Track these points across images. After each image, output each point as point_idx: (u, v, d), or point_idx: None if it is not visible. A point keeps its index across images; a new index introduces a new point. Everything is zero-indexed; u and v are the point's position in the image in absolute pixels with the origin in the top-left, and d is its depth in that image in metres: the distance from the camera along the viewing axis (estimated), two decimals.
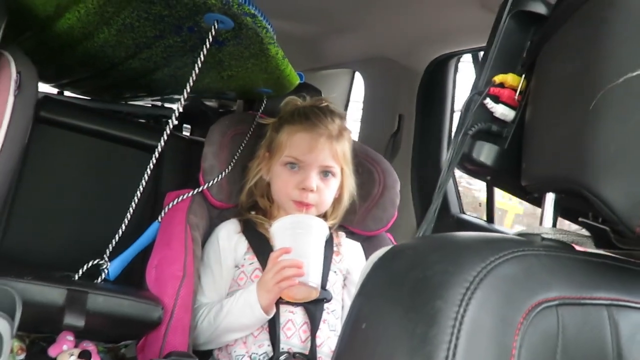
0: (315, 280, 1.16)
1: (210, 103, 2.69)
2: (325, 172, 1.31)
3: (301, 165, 1.30)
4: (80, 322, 1.06)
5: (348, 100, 2.51)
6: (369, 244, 1.46)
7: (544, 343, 0.47)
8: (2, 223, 1.42)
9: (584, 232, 0.60)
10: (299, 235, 1.19)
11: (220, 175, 1.38)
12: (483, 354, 0.44)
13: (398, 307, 0.48)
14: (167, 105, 2.59)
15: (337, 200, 1.38)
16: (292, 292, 1.17)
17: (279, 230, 1.21)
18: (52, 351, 1.11)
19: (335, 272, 1.31)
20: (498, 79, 0.68)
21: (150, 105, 2.65)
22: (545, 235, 0.57)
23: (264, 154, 1.38)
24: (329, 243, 1.34)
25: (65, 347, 1.12)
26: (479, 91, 0.68)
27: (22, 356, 1.18)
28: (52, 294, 1.06)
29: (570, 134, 0.55)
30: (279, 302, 1.20)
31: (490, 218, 1.76)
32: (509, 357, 0.44)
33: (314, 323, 1.21)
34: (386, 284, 0.51)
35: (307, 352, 1.19)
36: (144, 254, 1.34)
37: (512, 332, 0.45)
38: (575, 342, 0.48)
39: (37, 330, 1.20)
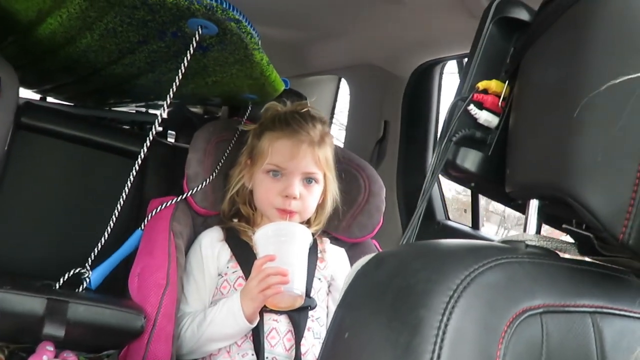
0: (299, 287, 1.16)
1: (195, 109, 2.68)
2: (308, 179, 1.30)
3: (283, 172, 1.29)
4: (60, 332, 1.04)
5: (334, 107, 2.51)
6: (354, 251, 1.46)
7: (528, 351, 0.46)
8: None
9: (568, 239, 0.60)
10: (282, 243, 1.18)
11: (204, 183, 1.36)
12: None
13: (381, 316, 0.47)
14: (151, 111, 2.57)
15: (321, 206, 1.37)
16: (277, 300, 1.16)
17: (263, 238, 1.20)
18: None
19: (319, 278, 1.31)
20: (482, 85, 0.68)
21: (134, 111, 2.64)
22: (529, 242, 0.57)
23: (246, 161, 1.37)
24: (313, 249, 1.33)
25: (45, 357, 1.10)
26: (462, 97, 0.68)
27: None
28: (32, 303, 1.04)
29: (554, 141, 0.54)
30: (263, 310, 1.19)
31: (475, 224, 1.76)
32: None
33: (298, 331, 1.20)
34: (369, 293, 0.50)
35: None
36: (127, 262, 1.32)
37: (495, 341, 0.44)
38: (560, 349, 0.48)
39: (17, 340, 1.18)
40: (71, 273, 1.19)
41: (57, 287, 1.15)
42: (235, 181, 1.36)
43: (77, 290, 1.20)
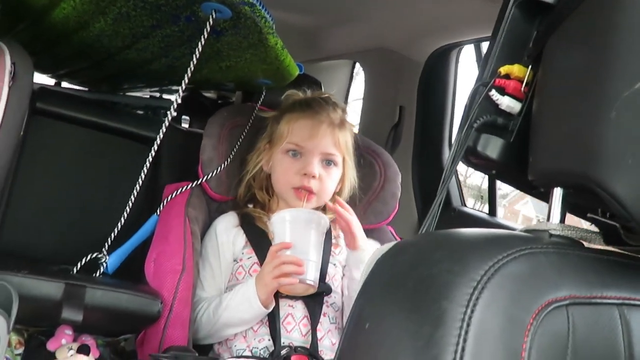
0: (313, 278, 1.15)
1: (209, 94, 2.67)
2: (327, 161, 1.30)
3: (302, 152, 1.29)
4: (78, 317, 1.05)
5: (348, 92, 2.49)
6: (370, 237, 1.44)
7: (554, 344, 0.45)
8: None
9: (593, 228, 0.59)
10: (299, 229, 1.17)
11: (219, 168, 1.36)
12: (491, 357, 0.42)
13: (401, 307, 0.46)
14: (165, 96, 2.56)
15: (338, 193, 1.36)
16: (290, 287, 1.16)
17: (279, 223, 1.19)
18: (50, 345, 1.11)
19: (334, 264, 1.30)
20: (504, 70, 0.66)
21: (148, 96, 2.63)
22: (553, 232, 0.55)
23: (264, 146, 1.36)
24: (328, 235, 1.32)
25: (63, 341, 1.11)
26: (483, 83, 0.66)
27: (21, 350, 1.18)
28: (49, 288, 1.05)
29: (580, 127, 0.53)
30: (278, 296, 1.19)
31: (492, 211, 1.75)
32: (519, 359, 0.43)
33: (314, 317, 1.20)
34: (389, 283, 0.49)
35: (308, 346, 1.18)
36: (143, 247, 1.32)
37: (521, 334, 0.43)
38: (586, 342, 0.47)
39: (36, 324, 1.19)
40: (88, 258, 1.20)
41: (75, 271, 1.16)
42: (253, 165, 1.36)
43: (94, 275, 1.21)
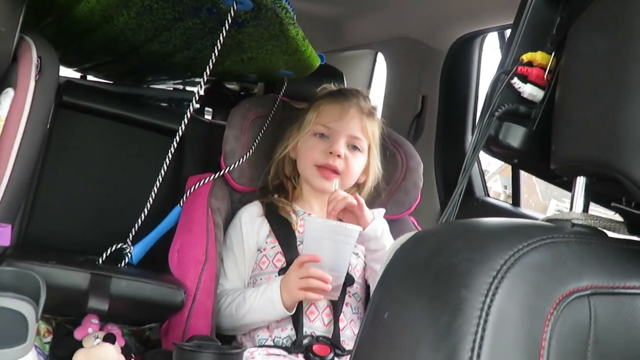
0: (337, 293, 1.16)
1: (232, 86, 2.68)
2: (354, 146, 1.31)
3: (330, 133, 1.31)
4: (104, 306, 1.07)
5: (370, 83, 2.48)
6: (392, 227, 1.44)
7: (575, 334, 0.45)
8: (27, 208, 1.43)
9: (617, 217, 0.58)
10: (330, 242, 1.15)
11: (241, 159, 1.37)
12: (511, 346, 0.42)
13: (421, 296, 0.46)
14: (188, 88, 2.58)
15: (362, 184, 1.36)
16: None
17: (312, 231, 1.17)
18: (77, 334, 1.13)
19: (357, 254, 1.30)
20: (526, 57, 0.65)
21: (172, 88, 2.65)
22: (575, 221, 0.54)
23: (294, 133, 1.38)
24: None
25: (90, 330, 1.13)
26: (505, 70, 0.65)
27: (49, 338, 1.20)
28: (76, 278, 1.07)
29: (604, 115, 0.52)
30: None
31: (516, 201, 1.73)
32: (539, 349, 0.42)
33: (336, 307, 1.21)
34: (408, 272, 0.49)
35: (330, 336, 1.19)
36: (167, 238, 1.34)
37: (541, 323, 0.43)
38: (608, 332, 0.46)
39: (63, 313, 1.22)
40: (113, 248, 1.22)
41: (100, 262, 1.18)
42: (281, 149, 1.38)
43: (119, 265, 1.23)
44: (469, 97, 1.83)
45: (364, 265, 1.32)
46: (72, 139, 1.54)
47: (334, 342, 1.17)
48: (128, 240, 1.25)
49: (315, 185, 1.31)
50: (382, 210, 1.39)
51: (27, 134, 1.07)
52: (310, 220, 1.18)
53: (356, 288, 1.27)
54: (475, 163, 1.85)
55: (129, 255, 1.25)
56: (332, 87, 1.44)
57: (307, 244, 1.17)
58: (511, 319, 0.43)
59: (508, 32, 1.59)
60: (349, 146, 1.31)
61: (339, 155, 1.28)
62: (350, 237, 1.16)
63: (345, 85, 1.55)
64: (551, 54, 0.65)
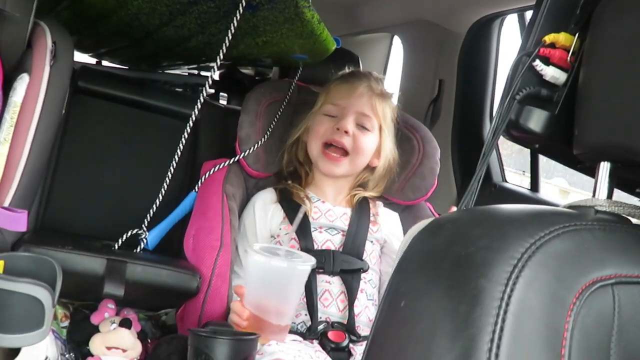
0: (283, 335, 1.08)
1: (246, 71, 2.67)
2: (363, 126, 1.30)
3: (338, 112, 1.30)
4: (119, 291, 1.07)
5: (386, 66, 2.45)
6: (408, 213, 1.43)
7: (598, 324, 0.43)
8: (44, 193, 1.44)
9: None
10: (279, 283, 1.06)
11: (256, 145, 1.36)
12: (532, 337, 0.41)
13: (438, 285, 0.45)
14: (203, 73, 2.58)
15: (375, 167, 1.35)
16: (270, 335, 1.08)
17: (257, 269, 1.07)
18: (94, 319, 1.14)
19: (372, 241, 1.29)
20: (549, 38, 0.63)
21: (187, 73, 2.65)
22: (599, 208, 0.53)
23: (305, 117, 1.38)
24: (366, 213, 1.31)
25: (106, 314, 1.14)
26: (527, 52, 0.63)
27: (66, 323, 1.21)
28: (92, 263, 1.08)
29: (630, 98, 0.50)
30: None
31: (534, 186, 1.70)
32: (560, 339, 0.41)
33: (351, 293, 1.20)
34: (426, 261, 0.48)
35: (345, 322, 1.18)
36: (182, 224, 1.34)
37: (563, 314, 0.42)
38: (633, 322, 0.44)
39: (80, 298, 1.23)
40: (128, 234, 1.22)
41: (116, 247, 1.18)
42: (294, 134, 1.38)
43: (135, 250, 1.23)
44: (487, 81, 1.80)
45: (379, 253, 1.31)
46: (88, 125, 1.54)
47: (349, 329, 1.17)
48: (143, 225, 1.26)
49: (322, 168, 1.30)
50: (396, 215, 1.39)
51: (43, 119, 1.06)
52: (251, 254, 1.07)
53: (371, 274, 1.26)
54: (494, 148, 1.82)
55: (145, 240, 1.26)
56: (347, 71, 1.42)
57: (249, 278, 1.10)
58: (532, 309, 0.41)
59: (528, 13, 1.55)
60: (358, 125, 1.29)
61: (346, 132, 1.26)
62: (296, 277, 1.07)
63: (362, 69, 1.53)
64: (575, 35, 0.62)
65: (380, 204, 1.39)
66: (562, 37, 0.62)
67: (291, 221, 1.28)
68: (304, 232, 1.25)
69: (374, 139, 1.32)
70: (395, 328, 0.47)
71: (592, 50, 0.58)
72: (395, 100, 1.41)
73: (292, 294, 1.07)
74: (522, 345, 0.40)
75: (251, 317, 1.06)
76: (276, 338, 1.07)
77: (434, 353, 0.41)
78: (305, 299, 1.19)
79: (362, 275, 1.24)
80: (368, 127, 1.30)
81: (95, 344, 1.10)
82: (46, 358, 0.96)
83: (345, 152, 1.28)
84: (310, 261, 1.07)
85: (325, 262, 1.21)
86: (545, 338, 0.41)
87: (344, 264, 1.22)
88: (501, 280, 0.42)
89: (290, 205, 1.30)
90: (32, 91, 1.05)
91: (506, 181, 1.80)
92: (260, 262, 1.05)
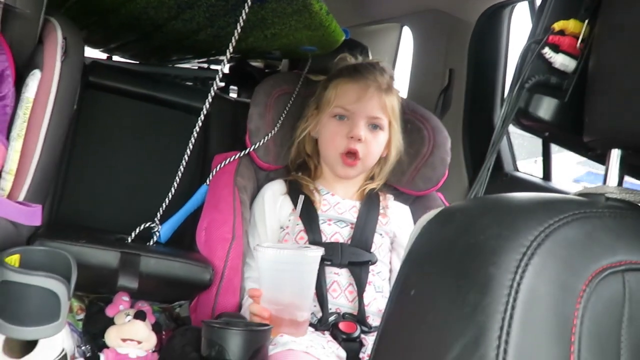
0: (303, 330, 1.07)
1: (256, 64, 2.67)
2: (374, 125, 1.29)
3: (349, 115, 1.29)
4: (133, 284, 1.08)
5: (396, 57, 2.43)
6: (419, 204, 1.43)
7: (608, 311, 0.43)
8: (58, 188, 1.46)
9: None
10: (293, 274, 1.07)
11: (266, 137, 1.36)
12: (541, 325, 0.41)
13: (448, 274, 0.45)
14: (213, 67, 2.58)
15: (385, 159, 1.35)
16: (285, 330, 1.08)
17: (269, 263, 1.07)
18: (109, 311, 1.15)
19: (381, 234, 1.29)
20: (558, 25, 0.62)
21: (196, 67, 2.65)
22: (609, 195, 0.52)
23: (313, 111, 1.36)
24: (375, 205, 1.31)
25: (121, 307, 1.16)
26: (536, 40, 0.63)
27: (82, 316, 1.23)
28: (106, 256, 1.09)
29: None
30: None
31: (546, 175, 1.69)
32: (570, 327, 0.41)
33: (359, 284, 1.20)
34: (435, 250, 0.48)
35: (355, 312, 1.19)
36: (195, 217, 1.35)
37: (573, 301, 0.42)
38: None
39: (95, 291, 1.25)
40: (141, 227, 1.23)
41: (129, 241, 1.19)
42: (300, 130, 1.36)
43: (148, 244, 1.24)
44: (498, 70, 1.78)
45: (389, 246, 1.31)
46: (100, 119, 1.55)
47: (359, 319, 1.17)
48: (156, 219, 1.27)
49: (338, 172, 1.30)
50: (407, 209, 1.39)
51: (55, 114, 1.08)
52: (261, 250, 1.07)
53: (380, 267, 1.26)
54: (506, 136, 1.81)
55: (157, 234, 1.27)
56: (349, 58, 1.39)
57: (262, 276, 1.09)
58: (542, 297, 0.41)
59: (538, 0, 1.53)
60: (369, 125, 1.29)
61: (359, 139, 1.26)
62: (308, 265, 1.08)
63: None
64: (584, 22, 0.62)
65: (390, 197, 1.39)
66: (571, 24, 0.62)
67: (300, 213, 1.28)
68: (312, 225, 1.26)
69: (384, 137, 1.32)
70: (406, 317, 0.47)
71: (601, 37, 0.58)
72: (404, 91, 1.39)
73: (305, 284, 1.08)
74: (531, 333, 0.40)
75: (270, 316, 1.06)
76: (297, 333, 1.07)
77: (443, 341, 0.42)
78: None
79: (371, 267, 1.24)
80: (379, 125, 1.30)
81: (111, 336, 1.11)
82: (62, 350, 0.97)
83: (358, 156, 1.28)
84: (319, 250, 1.08)
85: (334, 254, 1.21)
86: (555, 326, 0.41)
87: (352, 256, 1.22)
88: (510, 268, 0.42)
89: (299, 197, 1.31)
90: (44, 87, 1.07)
91: (518, 170, 1.79)
92: (271, 255, 1.07)
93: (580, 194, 0.55)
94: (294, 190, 1.31)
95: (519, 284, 0.41)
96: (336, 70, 1.36)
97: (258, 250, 1.07)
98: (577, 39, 0.62)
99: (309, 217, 1.27)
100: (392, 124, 1.32)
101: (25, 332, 0.88)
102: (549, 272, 0.42)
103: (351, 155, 1.27)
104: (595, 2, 0.60)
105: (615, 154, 0.55)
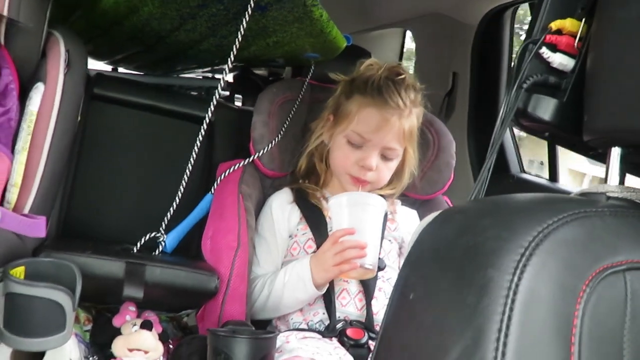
0: (372, 262, 1.13)
1: (260, 72, 2.68)
2: (387, 156, 1.27)
3: (364, 143, 1.25)
4: (139, 294, 1.09)
5: (400, 62, 2.44)
6: (425, 208, 1.43)
7: (610, 311, 0.43)
8: (64, 199, 1.46)
9: None
10: (358, 213, 1.14)
11: (270, 145, 1.36)
12: (541, 326, 0.40)
13: (447, 276, 0.45)
14: (217, 76, 2.59)
15: (397, 176, 1.33)
16: (349, 272, 1.15)
17: (337, 207, 1.16)
18: (116, 321, 1.15)
19: (389, 240, 1.29)
20: (555, 25, 0.62)
21: (201, 77, 2.67)
22: (610, 194, 0.52)
23: (328, 117, 1.32)
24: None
25: (128, 317, 1.16)
26: (534, 40, 0.63)
27: (89, 326, 1.23)
28: (111, 267, 1.09)
29: (639, 82, 0.49)
30: None
31: (553, 177, 1.68)
32: (570, 327, 0.41)
33: (368, 291, 1.20)
34: (434, 252, 0.48)
35: (364, 320, 1.18)
36: (200, 225, 1.35)
37: (573, 301, 0.41)
38: None
39: (101, 301, 1.25)
40: (147, 237, 1.23)
41: (135, 251, 1.20)
42: (315, 136, 1.34)
43: (153, 253, 1.24)
44: (501, 72, 1.78)
45: (398, 251, 1.31)
46: (105, 131, 1.56)
47: (367, 326, 1.17)
48: (161, 228, 1.27)
49: (347, 188, 1.29)
50: (414, 213, 1.39)
51: (59, 127, 1.08)
52: (333, 197, 1.18)
53: (390, 273, 1.25)
54: (511, 138, 1.80)
55: (163, 243, 1.27)
56: (374, 65, 1.30)
57: (336, 221, 1.16)
58: (541, 298, 0.41)
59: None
60: (382, 155, 1.26)
61: (371, 169, 1.25)
62: (378, 206, 1.16)
63: None
64: (581, 21, 0.61)
65: (398, 202, 1.38)
66: (568, 23, 0.61)
67: (308, 221, 1.28)
68: (320, 232, 1.25)
69: (397, 162, 1.30)
70: (405, 320, 0.47)
71: (599, 35, 0.57)
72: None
73: (368, 227, 1.14)
74: (531, 334, 0.40)
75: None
76: (370, 272, 1.15)
77: (442, 344, 0.41)
78: (323, 298, 1.19)
79: (380, 274, 1.23)
80: (393, 157, 1.28)
81: (118, 346, 1.11)
82: None
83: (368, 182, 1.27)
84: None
85: None
86: (555, 326, 0.40)
87: None
88: (509, 269, 0.42)
89: (306, 205, 1.30)
90: (47, 99, 1.07)
91: (524, 172, 1.78)
92: (341, 198, 1.16)
93: (581, 194, 0.55)
94: (301, 199, 1.31)
95: (517, 285, 0.41)
96: (361, 79, 1.29)
97: (331, 200, 1.18)
98: (575, 37, 0.61)
99: (317, 224, 1.27)
100: (408, 150, 1.30)
101: (32, 344, 0.88)
102: (549, 272, 0.42)
103: (360, 180, 1.26)
104: (592, 1, 0.60)
105: (616, 153, 0.54)
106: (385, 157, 1.27)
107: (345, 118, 1.27)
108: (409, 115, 1.26)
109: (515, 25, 1.80)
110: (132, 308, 1.17)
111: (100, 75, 1.63)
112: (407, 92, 1.25)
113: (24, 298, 0.86)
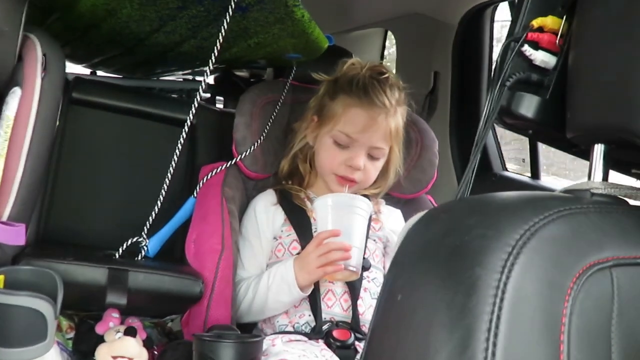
0: (356, 263, 1.13)
1: (242, 73, 2.67)
2: (374, 155, 1.27)
3: (351, 143, 1.25)
4: (122, 300, 1.07)
5: (381, 61, 2.44)
6: (409, 207, 1.43)
7: (597, 308, 0.43)
8: (44, 205, 1.44)
9: (639, 184, 0.55)
10: (343, 215, 1.14)
11: (253, 146, 1.35)
12: (529, 324, 0.40)
13: (434, 276, 0.44)
14: (198, 78, 2.57)
15: (382, 176, 1.33)
16: (334, 274, 1.15)
17: (323, 208, 1.16)
18: (99, 329, 1.13)
19: (374, 240, 1.29)
20: (536, 22, 0.62)
21: (181, 79, 2.65)
22: (595, 191, 0.52)
23: (312, 118, 1.32)
24: None
25: (111, 324, 1.14)
26: (515, 38, 0.63)
27: (72, 334, 1.21)
28: (93, 273, 1.07)
29: (620, 79, 0.49)
30: None
31: (535, 174, 1.69)
32: (559, 325, 0.41)
33: (354, 292, 1.20)
34: (421, 253, 0.48)
35: (350, 321, 1.18)
36: (184, 229, 1.34)
37: (561, 299, 0.41)
38: (633, 304, 0.44)
39: (83, 309, 1.23)
40: (129, 242, 1.22)
41: (117, 256, 1.18)
42: (299, 137, 1.34)
43: (136, 258, 1.23)
44: (482, 71, 1.79)
45: (383, 251, 1.31)
46: (85, 135, 1.54)
47: (353, 327, 1.16)
48: (143, 233, 1.25)
49: (332, 189, 1.28)
50: (399, 213, 1.38)
51: (37, 132, 1.06)
52: (319, 199, 1.17)
53: (375, 273, 1.25)
54: (493, 136, 1.82)
55: (145, 248, 1.25)
56: (357, 64, 1.31)
57: (321, 222, 1.16)
58: (529, 296, 0.41)
59: None
60: (369, 155, 1.26)
61: (358, 169, 1.25)
62: (364, 207, 1.15)
63: None
64: (562, 18, 0.62)
65: (382, 201, 1.38)
66: (549, 21, 0.62)
67: (292, 222, 1.27)
68: (304, 233, 1.25)
69: (383, 161, 1.30)
70: (393, 322, 0.46)
71: (580, 32, 0.58)
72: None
73: (353, 229, 1.14)
74: (519, 332, 0.40)
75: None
76: (354, 275, 1.15)
77: (431, 345, 0.41)
78: (308, 299, 1.19)
79: (366, 274, 1.23)
80: (379, 156, 1.28)
81: (101, 354, 1.09)
82: None
83: (354, 181, 1.27)
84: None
85: None
86: (543, 324, 0.40)
87: None
88: (496, 268, 0.41)
89: (291, 207, 1.30)
90: (24, 104, 1.05)
91: (506, 169, 1.80)
92: (326, 199, 1.16)
93: (565, 191, 0.55)
94: (285, 200, 1.30)
95: (505, 284, 0.41)
96: (345, 79, 1.29)
97: (316, 201, 1.18)
98: (556, 35, 0.62)
99: (301, 225, 1.26)
100: (393, 149, 1.30)
101: (13, 354, 0.86)
102: (536, 270, 0.42)
103: (347, 179, 1.26)
104: None
105: (599, 149, 0.55)
106: (372, 157, 1.27)
107: (331, 119, 1.27)
108: (395, 114, 1.27)
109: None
110: (116, 315, 1.15)
111: (78, 79, 1.61)
112: (392, 90, 1.26)
113: (4, 307, 0.84)
